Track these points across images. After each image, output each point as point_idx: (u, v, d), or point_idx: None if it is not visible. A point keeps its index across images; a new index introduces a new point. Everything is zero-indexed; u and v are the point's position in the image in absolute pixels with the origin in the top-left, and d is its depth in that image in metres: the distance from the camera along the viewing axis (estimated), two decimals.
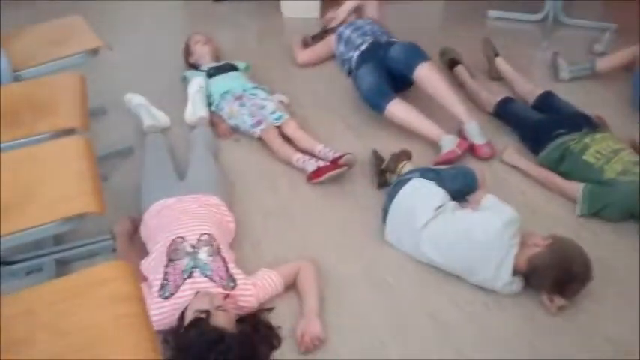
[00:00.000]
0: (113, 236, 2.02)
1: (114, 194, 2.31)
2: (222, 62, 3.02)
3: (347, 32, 3.07)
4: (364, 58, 2.81)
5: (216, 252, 1.81)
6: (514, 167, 2.43)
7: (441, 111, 2.59)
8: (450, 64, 3.00)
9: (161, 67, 3.27)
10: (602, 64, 2.95)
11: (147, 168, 2.28)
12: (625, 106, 2.78)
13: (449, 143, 2.45)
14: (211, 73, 2.88)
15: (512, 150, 2.48)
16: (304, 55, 3.26)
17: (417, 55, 2.64)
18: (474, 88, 2.82)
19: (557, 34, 3.45)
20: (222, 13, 3.97)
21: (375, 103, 2.64)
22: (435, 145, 2.51)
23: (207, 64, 2.99)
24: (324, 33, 3.36)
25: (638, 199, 2.08)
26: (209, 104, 2.77)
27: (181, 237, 1.82)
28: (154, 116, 2.69)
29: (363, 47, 2.88)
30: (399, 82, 2.71)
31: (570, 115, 2.46)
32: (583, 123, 2.39)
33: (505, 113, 2.65)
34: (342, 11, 3.25)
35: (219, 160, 2.51)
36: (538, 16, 3.55)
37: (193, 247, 1.80)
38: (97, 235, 2.07)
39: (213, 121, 2.72)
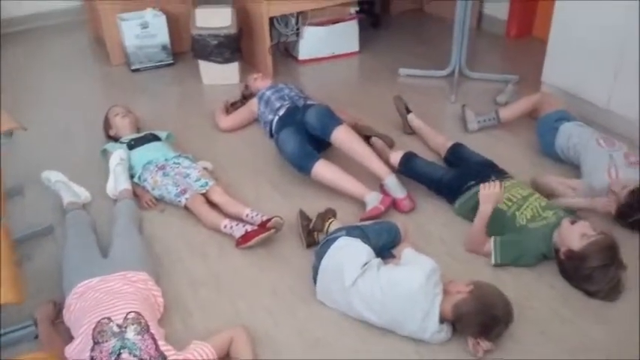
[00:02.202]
0: (35, 322, 1.94)
1: (34, 277, 2.24)
2: (143, 133, 3.02)
3: (267, 93, 3.17)
4: (284, 122, 2.89)
5: (145, 330, 1.77)
6: None
7: (364, 168, 2.68)
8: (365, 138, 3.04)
9: (80, 142, 3.23)
10: (506, 113, 3.16)
11: (68, 247, 2.22)
12: (531, 152, 2.99)
13: (373, 200, 2.55)
14: (132, 145, 2.87)
15: None
16: (227, 121, 3.31)
17: (330, 119, 2.75)
18: (385, 151, 2.89)
19: (463, 88, 3.67)
20: (141, 82, 3.98)
21: (300, 166, 2.71)
22: (360, 202, 2.59)
23: (128, 135, 2.98)
24: (244, 99, 3.44)
25: (549, 243, 2.21)
26: (131, 176, 2.75)
27: (107, 318, 1.78)
28: (74, 192, 2.64)
29: (281, 112, 2.97)
30: (320, 143, 2.80)
31: (479, 165, 2.61)
32: (491, 172, 2.53)
33: (408, 172, 2.67)
34: None
35: (144, 232, 2.48)
36: (445, 72, 3.78)
37: (120, 327, 1.75)
38: (18, 321, 1.98)
39: (137, 192, 2.70)
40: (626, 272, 2.12)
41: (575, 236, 2.10)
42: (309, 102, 3.05)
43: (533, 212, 2.30)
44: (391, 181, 2.62)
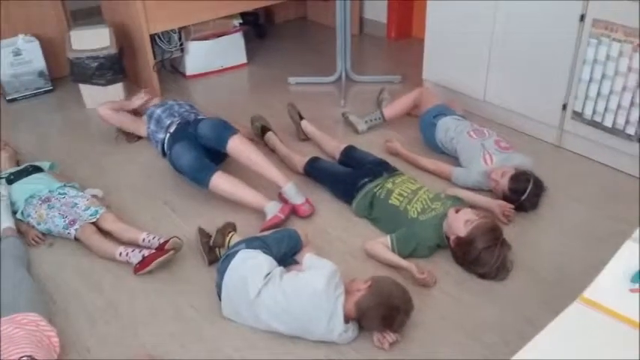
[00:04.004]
0: None
1: None
2: (23, 165, 2.85)
3: (157, 111, 3.09)
4: (176, 138, 2.82)
5: None
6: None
7: (262, 177, 2.69)
8: (262, 130, 3.14)
9: None
10: (390, 111, 3.29)
11: None
12: (417, 147, 3.11)
13: (272, 209, 2.55)
14: (12, 179, 2.70)
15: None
16: (108, 113, 3.18)
17: (225, 130, 2.73)
18: (285, 152, 2.97)
19: (351, 92, 3.77)
20: (18, 112, 3.74)
21: (198, 179, 2.66)
22: (260, 213, 2.58)
23: (6, 170, 2.80)
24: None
25: (440, 233, 2.31)
26: (14, 212, 2.58)
27: None
28: None
29: (172, 129, 2.90)
30: (215, 155, 2.77)
31: (371, 164, 2.70)
32: (383, 169, 2.63)
33: (314, 172, 2.82)
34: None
35: (32, 270, 2.34)
36: (332, 78, 3.86)
37: None
38: None
39: (21, 229, 2.54)
40: (513, 252, 2.26)
41: (460, 223, 2.22)
42: (200, 116, 3.01)
43: (423, 205, 2.40)
44: (290, 188, 2.64)
